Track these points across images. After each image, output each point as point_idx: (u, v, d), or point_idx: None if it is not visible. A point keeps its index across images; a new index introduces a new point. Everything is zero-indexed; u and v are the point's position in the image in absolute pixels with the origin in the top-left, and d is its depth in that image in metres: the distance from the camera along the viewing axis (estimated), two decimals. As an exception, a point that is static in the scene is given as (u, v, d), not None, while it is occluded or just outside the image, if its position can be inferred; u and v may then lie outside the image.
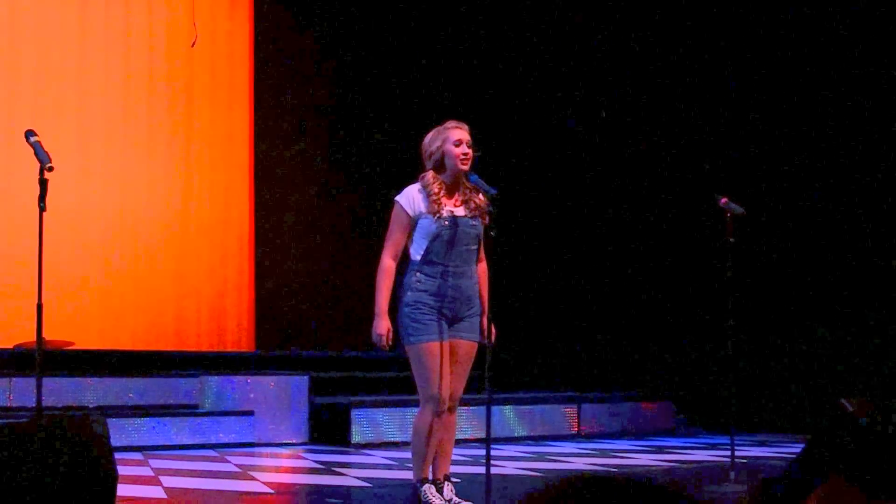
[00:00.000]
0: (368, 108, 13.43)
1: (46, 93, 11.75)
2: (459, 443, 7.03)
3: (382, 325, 6.31)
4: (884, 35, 11.70)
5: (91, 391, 10.12)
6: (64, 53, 11.90)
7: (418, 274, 6.36)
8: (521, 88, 13.67)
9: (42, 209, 5.56)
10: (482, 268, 6.53)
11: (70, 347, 10.77)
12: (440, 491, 6.40)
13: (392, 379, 11.65)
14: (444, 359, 6.36)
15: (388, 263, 6.38)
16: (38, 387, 5.49)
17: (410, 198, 6.40)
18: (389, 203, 6.48)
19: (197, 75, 12.61)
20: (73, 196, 11.45)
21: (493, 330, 6.43)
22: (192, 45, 12.30)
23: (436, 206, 6.34)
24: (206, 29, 12.52)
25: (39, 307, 5.68)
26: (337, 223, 13.27)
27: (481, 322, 6.43)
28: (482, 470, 6.40)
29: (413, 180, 6.49)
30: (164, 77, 12.43)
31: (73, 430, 3.62)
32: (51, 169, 5.62)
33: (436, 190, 6.37)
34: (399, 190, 6.50)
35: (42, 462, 3.45)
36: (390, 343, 6.36)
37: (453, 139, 6.40)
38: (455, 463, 6.77)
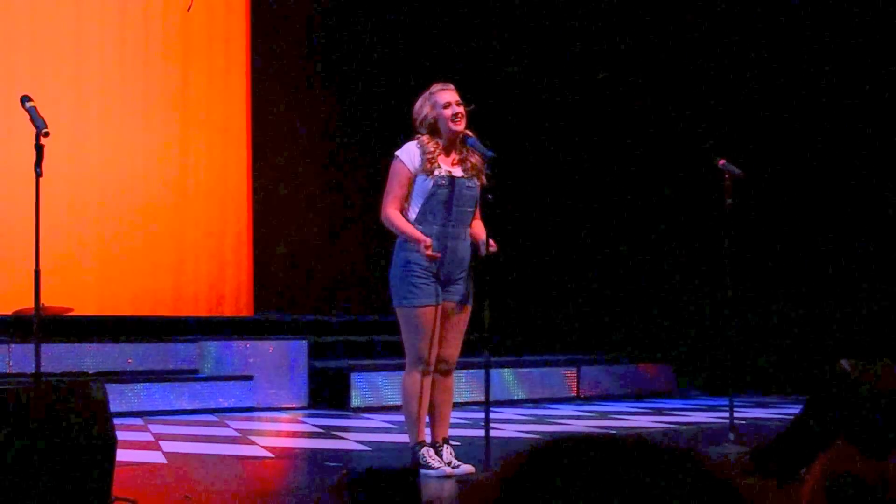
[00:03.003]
0: (367, 72, 13.38)
1: (42, 59, 11.70)
2: (458, 406, 7.03)
3: (425, 246, 6.23)
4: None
5: (90, 357, 10.13)
6: (59, 18, 11.83)
7: (413, 234, 6.35)
8: (518, 48, 13.61)
9: (38, 175, 5.56)
10: (477, 223, 6.49)
11: (69, 313, 10.76)
12: (439, 454, 6.41)
13: (391, 342, 11.64)
14: (436, 323, 6.36)
15: (392, 212, 6.34)
16: (37, 353, 5.49)
17: (411, 153, 6.40)
18: (388, 166, 6.46)
19: (193, 39, 12.55)
20: (69, 162, 11.42)
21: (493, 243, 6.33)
22: (188, 10, 12.24)
23: (429, 165, 6.33)
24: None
25: (37, 273, 5.68)
26: (335, 187, 13.24)
27: (487, 243, 6.32)
28: (481, 433, 6.41)
29: (413, 139, 6.47)
30: (160, 42, 12.37)
31: (72, 396, 3.64)
32: (47, 134, 5.62)
33: (431, 149, 6.36)
34: (399, 146, 6.49)
35: (42, 427, 3.46)
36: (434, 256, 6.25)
37: (442, 102, 6.38)
38: (454, 426, 6.79)
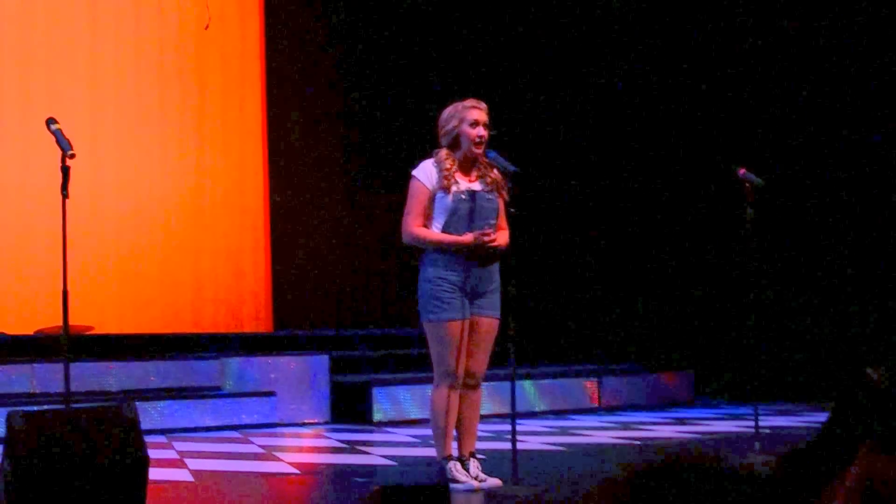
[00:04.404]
0: (382, 85, 13.40)
1: (58, 79, 11.74)
2: (480, 418, 7.01)
3: (468, 238, 6.29)
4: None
5: (112, 375, 10.14)
6: (75, 38, 11.88)
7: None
8: (539, 59, 13.61)
9: (65, 196, 5.57)
10: (501, 234, 6.49)
11: (90, 332, 10.80)
12: (466, 468, 6.41)
13: (412, 356, 11.66)
14: (463, 337, 6.36)
15: (417, 228, 6.36)
16: (66, 374, 5.48)
17: (427, 171, 6.42)
18: (405, 178, 6.48)
19: (208, 57, 12.58)
20: (88, 181, 11.43)
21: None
22: (206, 28, 12.27)
23: (446, 182, 6.35)
24: (217, 9, 12.48)
25: (65, 293, 5.67)
26: (354, 201, 13.25)
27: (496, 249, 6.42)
28: (505, 446, 6.41)
29: (428, 156, 6.49)
30: (176, 60, 12.41)
31: (105, 417, 3.66)
32: (72, 156, 5.64)
33: (448, 166, 6.37)
34: (414, 165, 6.51)
35: (77, 449, 3.48)
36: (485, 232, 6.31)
37: (470, 119, 6.39)
38: (478, 439, 6.78)
